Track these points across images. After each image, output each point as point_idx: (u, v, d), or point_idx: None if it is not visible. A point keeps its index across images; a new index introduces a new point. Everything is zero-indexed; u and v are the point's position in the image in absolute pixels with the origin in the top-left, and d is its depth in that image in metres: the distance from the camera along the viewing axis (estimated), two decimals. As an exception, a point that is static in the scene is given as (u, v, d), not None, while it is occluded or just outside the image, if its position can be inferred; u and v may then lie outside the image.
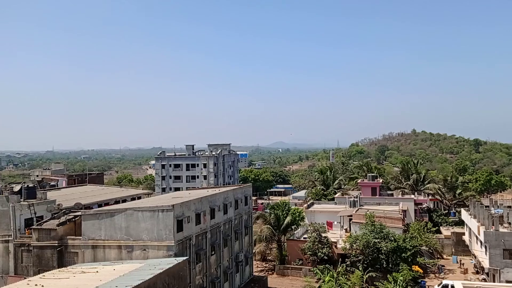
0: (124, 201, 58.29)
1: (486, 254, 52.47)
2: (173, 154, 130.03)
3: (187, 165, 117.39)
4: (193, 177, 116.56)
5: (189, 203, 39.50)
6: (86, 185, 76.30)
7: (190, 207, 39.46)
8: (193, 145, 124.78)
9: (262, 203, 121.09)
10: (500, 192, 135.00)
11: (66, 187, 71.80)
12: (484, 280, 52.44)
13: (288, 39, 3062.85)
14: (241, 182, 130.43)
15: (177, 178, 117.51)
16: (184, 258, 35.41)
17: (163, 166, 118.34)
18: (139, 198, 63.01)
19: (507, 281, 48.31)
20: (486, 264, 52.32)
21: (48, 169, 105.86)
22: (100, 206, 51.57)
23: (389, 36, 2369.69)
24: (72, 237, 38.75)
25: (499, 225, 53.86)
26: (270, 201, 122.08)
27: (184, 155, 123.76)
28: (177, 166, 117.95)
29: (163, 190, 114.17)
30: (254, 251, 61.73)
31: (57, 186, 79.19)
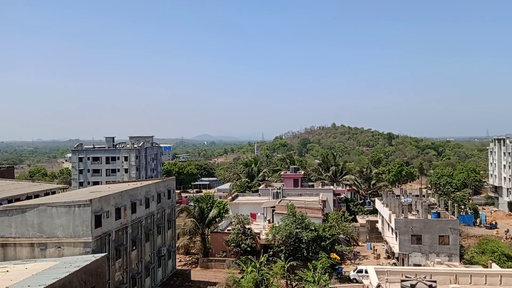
0: (37, 196, 55.00)
1: (396, 240, 56.39)
2: (92, 146, 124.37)
3: (107, 158, 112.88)
4: (114, 171, 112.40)
5: (109, 198, 38.04)
6: (-6, 180, 70.42)
7: (110, 202, 38.02)
8: (113, 138, 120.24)
9: (186, 196, 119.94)
10: (410, 182, 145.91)
11: (-30, 183, 65.73)
12: (395, 264, 56.37)
13: (212, 31, 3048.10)
14: (164, 176, 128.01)
15: (96, 171, 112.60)
16: (103, 254, 34.17)
17: (80, 159, 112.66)
18: (54, 193, 59.76)
19: (415, 264, 52.33)
20: (396, 249, 56.25)
21: None
22: (10, 201, 48.82)
23: (309, 32, 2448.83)
24: (-24, 236, 35.65)
25: (408, 212, 58.12)
26: (195, 194, 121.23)
27: (104, 147, 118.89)
28: (96, 159, 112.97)
29: (81, 184, 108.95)
30: (177, 244, 61.03)
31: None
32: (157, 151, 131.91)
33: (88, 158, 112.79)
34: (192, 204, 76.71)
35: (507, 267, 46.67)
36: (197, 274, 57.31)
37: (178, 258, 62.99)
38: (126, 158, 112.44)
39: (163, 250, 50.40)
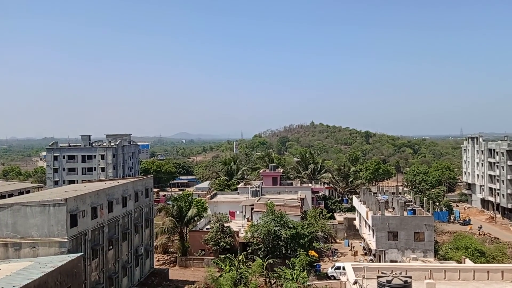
0: (10, 195, 53.96)
1: (373, 237, 57.20)
2: (67, 145, 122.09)
3: (83, 156, 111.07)
4: (90, 169, 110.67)
5: (84, 197, 37.48)
6: (-36, 179, 68.51)
7: (86, 201, 37.45)
8: (89, 136, 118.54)
9: (164, 195, 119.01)
10: (386, 179, 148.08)
11: None
12: (371, 260, 57.18)
13: (191, 32, 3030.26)
14: (142, 174, 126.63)
15: (72, 170, 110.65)
16: (79, 254, 33.71)
17: (55, 158, 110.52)
18: (28, 192, 58.49)
19: (391, 261, 53.18)
20: (373, 246, 57.06)
21: None
22: (-19, 202, 46.93)
23: (286, 37, 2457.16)
24: None
25: (385, 210, 58.98)
26: (173, 193, 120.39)
27: (80, 146, 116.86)
28: (71, 157, 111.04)
29: (56, 183, 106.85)
30: (155, 244, 60.55)
31: None
32: (134, 149, 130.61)
33: (64, 157, 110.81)
34: (170, 203, 76.12)
35: (480, 263, 47.94)
36: (175, 273, 56.96)
37: (156, 257, 62.46)
38: (102, 157, 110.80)
39: (140, 250, 49.92)
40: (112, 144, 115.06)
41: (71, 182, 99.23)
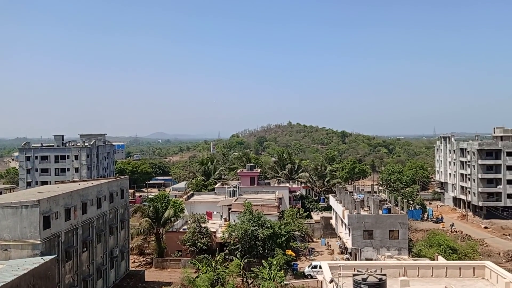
0: (-21, 197, 51.94)
1: (349, 235, 57.96)
2: (40, 145, 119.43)
3: (56, 157, 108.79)
4: (63, 170, 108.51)
5: (58, 198, 36.70)
6: None
7: (59, 202, 36.68)
8: (62, 136, 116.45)
9: (140, 196, 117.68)
10: (362, 179, 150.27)
11: None
12: (348, 259, 57.92)
13: (167, 31, 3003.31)
14: (117, 175, 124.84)
15: (45, 171, 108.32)
16: (52, 256, 33.06)
17: (28, 158, 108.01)
18: (0, 193, 56.86)
19: (367, 259, 54.04)
20: (349, 244, 57.81)
21: None
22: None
23: (260, 36, 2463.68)
24: None
25: (361, 208, 59.84)
26: (149, 194, 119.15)
27: (53, 146, 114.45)
28: (44, 158, 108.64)
29: (28, 184, 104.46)
30: (131, 245, 59.80)
31: None
32: (109, 149, 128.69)
33: (36, 157, 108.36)
34: (146, 203, 75.31)
35: (452, 259, 49.09)
36: (151, 275, 56.40)
37: (132, 259, 61.71)
38: (76, 157, 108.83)
39: (115, 251, 49.24)
40: (86, 144, 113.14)
41: (44, 183, 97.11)
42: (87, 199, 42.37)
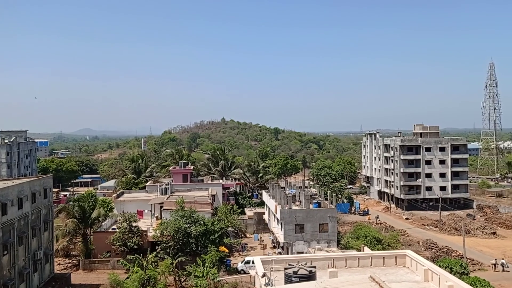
0: None
1: (282, 230, 59.04)
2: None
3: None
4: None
5: (-29, 199, 33.85)
6: None
7: (-27, 204, 33.86)
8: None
9: (65, 195, 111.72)
10: (294, 174, 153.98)
11: None
12: (280, 253, 59.00)
13: (85, 33, 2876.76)
14: (40, 173, 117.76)
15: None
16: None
17: None
18: None
19: (298, 252, 55.33)
20: (281, 239, 58.91)
21: None
22: None
23: (195, 32, 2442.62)
24: None
25: (292, 203, 61.15)
26: (75, 193, 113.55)
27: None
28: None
29: None
30: (56, 247, 56.73)
31: None
32: (31, 146, 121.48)
33: None
34: (71, 203, 71.61)
35: (377, 250, 51.75)
36: (78, 277, 53.89)
37: (57, 262, 58.61)
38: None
39: (39, 254, 46.57)
40: (6, 141, 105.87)
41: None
42: (7, 200, 39.75)
